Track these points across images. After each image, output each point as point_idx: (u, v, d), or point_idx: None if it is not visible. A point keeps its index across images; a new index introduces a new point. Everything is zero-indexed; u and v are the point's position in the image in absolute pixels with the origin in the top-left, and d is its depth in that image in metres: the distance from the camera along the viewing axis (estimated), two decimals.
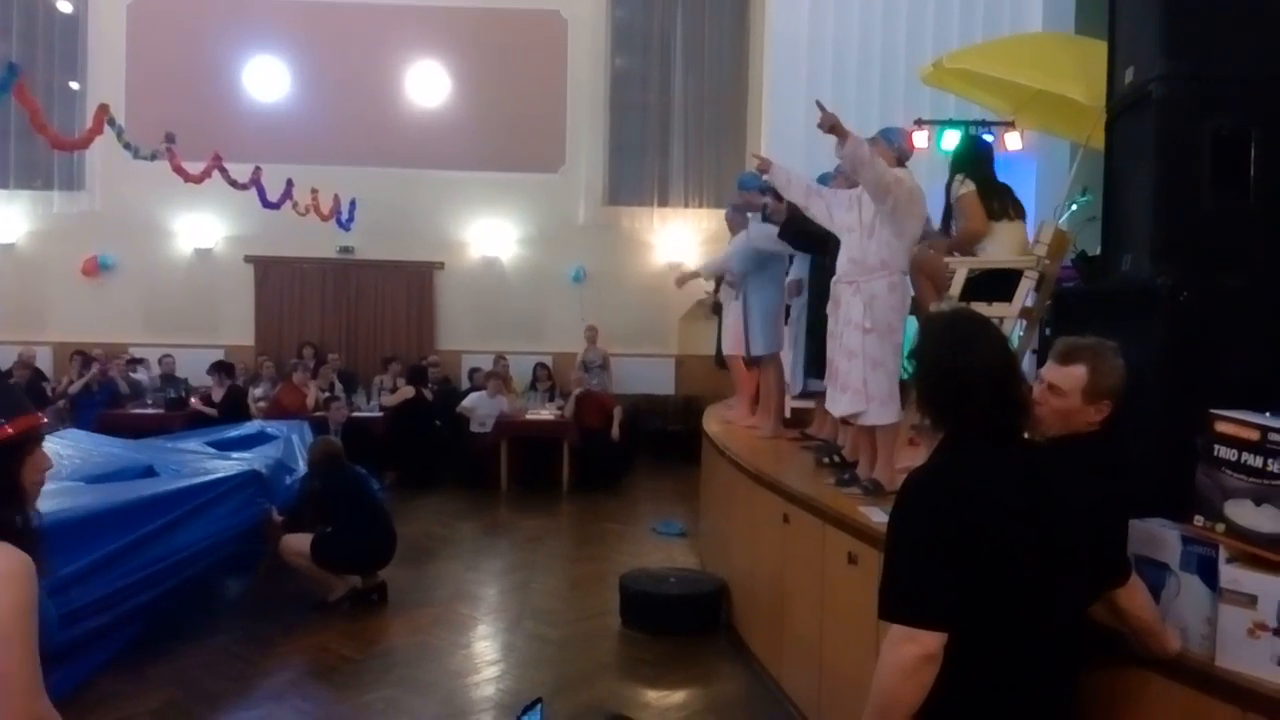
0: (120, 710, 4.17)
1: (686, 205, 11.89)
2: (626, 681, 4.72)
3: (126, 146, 6.91)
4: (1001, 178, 4.79)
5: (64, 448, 5.80)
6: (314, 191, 10.10)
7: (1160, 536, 2.24)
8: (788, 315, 5.95)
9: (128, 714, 4.17)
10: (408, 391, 9.91)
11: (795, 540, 4.22)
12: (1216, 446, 2.12)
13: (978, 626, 1.84)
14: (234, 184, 8.86)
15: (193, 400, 9.67)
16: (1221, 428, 2.12)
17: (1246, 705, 1.98)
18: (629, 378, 11.64)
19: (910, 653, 1.81)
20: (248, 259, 11.75)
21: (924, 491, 1.93)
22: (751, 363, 6.19)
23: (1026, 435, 2.13)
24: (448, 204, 11.77)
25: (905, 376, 3.88)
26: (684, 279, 7.73)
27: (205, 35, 11.51)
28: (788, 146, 7.58)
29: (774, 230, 5.28)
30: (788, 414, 6.19)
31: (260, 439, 7.18)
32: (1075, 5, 7.18)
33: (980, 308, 3.94)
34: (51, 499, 3.84)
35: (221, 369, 9.72)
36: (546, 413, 10.00)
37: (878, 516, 3.46)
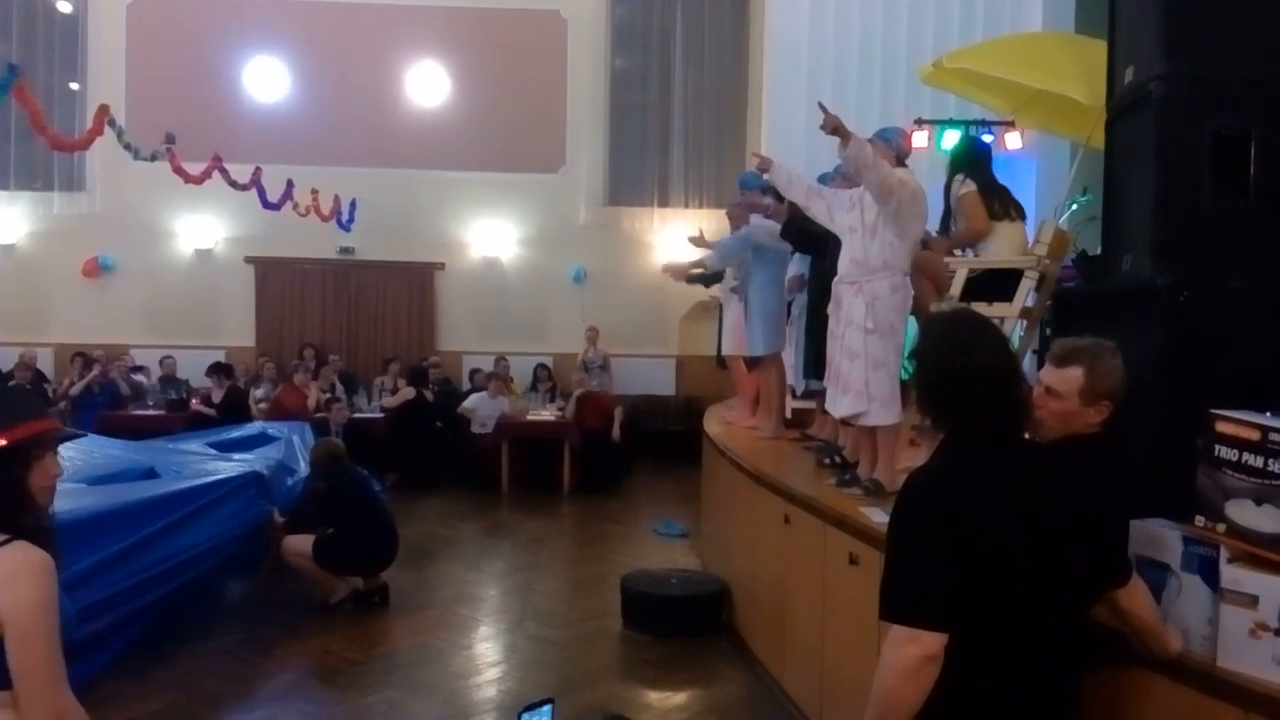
0: (122, 712, 4.17)
1: (687, 205, 11.88)
2: (628, 683, 4.72)
3: (127, 147, 6.92)
4: (1002, 178, 4.79)
5: (65, 449, 5.78)
6: (314, 192, 10.11)
7: (1161, 537, 2.24)
8: (789, 315, 5.95)
9: (130, 716, 4.16)
10: (408, 392, 9.91)
11: (796, 541, 4.22)
12: (1217, 447, 2.12)
13: (979, 627, 1.84)
14: (234, 185, 8.87)
15: (193, 402, 9.68)
16: (1222, 428, 2.12)
17: (1248, 706, 1.98)
18: (630, 378, 11.64)
19: (911, 653, 1.81)
20: (248, 260, 11.75)
21: (925, 492, 1.93)
22: (752, 364, 6.18)
23: (1028, 437, 2.13)
24: (448, 204, 11.78)
25: (906, 377, 3.88)
26: (680, 271, 7.63)
27: (205, 36, 11.51)
28: (788, 146, 7.59)
29: (775, 226, 5.28)
30: (788, 414, 6.19)
31: (261, 440, 7.18)
32: (1075, 5, 7.18)
33: (980, 308, 3.94)
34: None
35: (220, 370, 9.73)
36: (547, 414, 10.00)
37: (879, 517, 3.46)
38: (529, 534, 7.73)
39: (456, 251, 11.91)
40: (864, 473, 4.19)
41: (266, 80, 11.64)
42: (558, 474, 9.50)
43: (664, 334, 11.89)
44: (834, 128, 3.86)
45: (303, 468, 6.57)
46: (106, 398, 9.95)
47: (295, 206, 9.92)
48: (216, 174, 8.35)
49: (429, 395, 10.05)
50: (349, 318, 11.89)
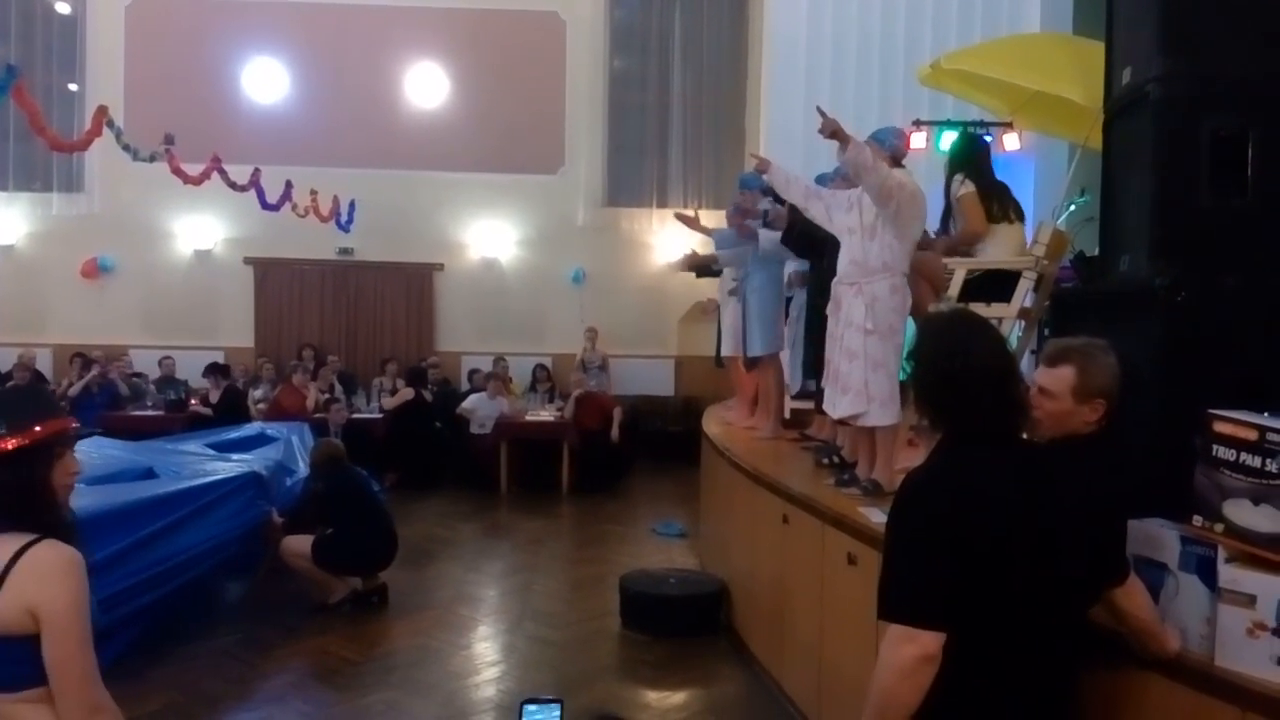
0: (120, 712, 4.16)
1: (686, 206, 11.81)
2: (627, 683, 4.72)
3: (125, 148, 6.92)
4: (1000, 178, 4.79)
5: None
6: (313, 193, 10.11)
7: (1159, 537, 2.24)
8: (787, 315, 5.95)
9: (128, 716, 4.06)
10: (407, 393, 9.91)
11: (795, 541, 4.22)
12: (1215, 446, 2.12)
13: (976, 627, 1.84)
14: (233, 185, 8.87)
15: (191, 402, 9.68)
16: (1220, 427, 2.12)
17: (1246, 705, 1.98)
18: (628, 379, 11.64)
19: (909, 653, 1.81)
20: (247, 261, 11.75)
21: (922, 491, 1.93)
22: (750, 365, 6.18)
23: (1026, 437, 2.14)
24: (447, 205, 11.78)
25: (904, 377, 3.88)
26: (692, 263, 7.54)
27: (204, 37, 11.51)
28: (787, 147, 7.59)
29: (777, 234, 5.28)
30: (787, 415, 6.19)
31: (260, 441, 7.18)
32: (1073, 5, 7.19)
33: (979, 308, 3.95)
34: None
35: (217, 370, 9.73)
36: (546, 414, 9.99)
37: (877, 517, 3.46)
38: (528, 534, 7.73)
39: (455, 252, 11.91)
40: (862, 473, 4.19)
41: (265, 81, 11.64)
42: (556, 474, 9.50)
43: (663, 334, 11.89)
44: (832, 131, 3.86)
45: (301, 468, 6.57)
46: (105, 398, 9.95)
47: (294, 207, 9.92)
48: (215, 175, 8.35)
49: (428, 396, 10.05)
50: (348, 318, 11.89)
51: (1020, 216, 4.69)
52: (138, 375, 10.76)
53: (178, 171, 7.70)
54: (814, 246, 4.94)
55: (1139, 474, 2.46)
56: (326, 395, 9.84)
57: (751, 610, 5.02)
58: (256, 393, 10.21)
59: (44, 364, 10.98)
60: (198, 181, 8.11)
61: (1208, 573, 2.13)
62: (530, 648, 5.14)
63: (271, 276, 11.81)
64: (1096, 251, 3.52)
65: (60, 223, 11.61)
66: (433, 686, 4.58)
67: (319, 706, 4.41)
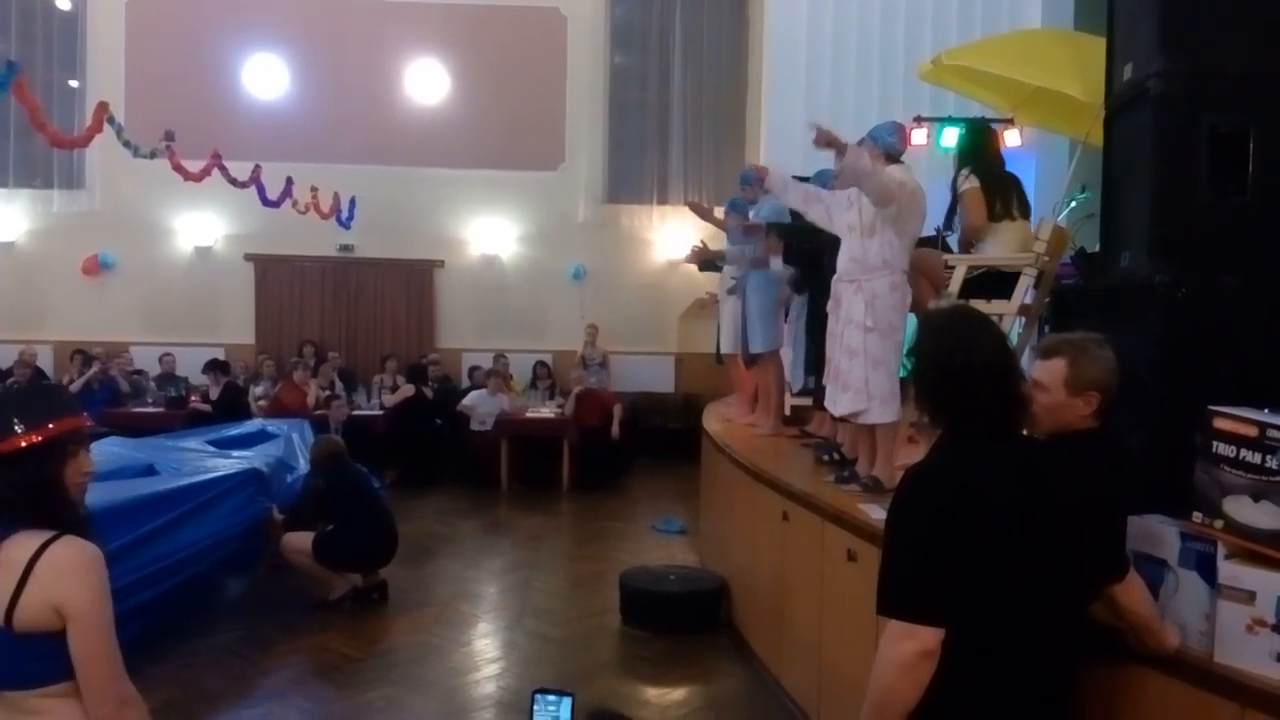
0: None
1: (686, 203, 11.87)
2: (627, 679, 4.73)
3: (126, 145, 6.91)
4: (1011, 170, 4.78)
5: None
6: (314, 189, 10.10)
7: (1159, 533, 2.24)
8: (787, 313, 5.95)
9: None
10: (408, 390, 9.92)
11: (795, 538, 4.23)
12: (1215, 443, 2.12)
13: (976, 622, 1.84)
14: (234, 182, 8.86)
15: (192, 399, 9.67)
16: (1220, 424, 2.12)
17: (1245, 701, 1.98)
18: (629, 376, 11.64)
19: (908, 649, 1.81)
20: (247, 257, 11.74)
21: (922, 487, 1.93)
22: (750, 362, 6.18)
23: (1025, 433, 2.14)
24: (447, 202, 11.77)
25: (904, 374, 3.88)
26: (701, 256, 7.47)
27: (204, 33, 11.50)
28: (786, 144, 7.60)
29: (782, 207, 5.28)
30: (787, 411, 6.19)
31: (261, 437, 7.18)
32: (1074, 2, 7.18)
33: (979, 305, 3.94)
34: None
35: (216, 367, 9.73)
36: (546, 411, 9.99)
37: (877, 514, 3.46)
38: (528, 531, 7.74)
39: (456, 249, 11.90)
40: (862, 469, 4.20)
41: (266, 77, 11.63)
42: (557, 471, 9.50)
43: (663, 331, 11.89)
44: (828, 141, 3.85)
45: (302, 465, 6.57)
46: (106, 395, 9.94)
47: (295, 204, 9.91)
48: (216, 171, 8.34)
49: (428, 393, 10.05)
50: (348, 315, 11.89)
51: (1025, 213, 4.68)
52: (138, 372, 10.75)
53: (178, 168, 7.70)
54: (816, 259, 4.94)
55: (1139, 470, 2.46)
56: (327, 392, 9.83)
57: (751, 607, 5.02)
58: (257, 389, 10.21)
59: (44, 361, 10.97)
60: (198, 178, 8.11)
61: (1207, 569, 2.13)
62: (530, 644, 5.15)
63: (272, 273, 11.80)
64: (1097, 248, 3.52)
65: (61, 219, 11.60)
66: (433, 683, 4.58)
67: (319, 703, 4.41)
